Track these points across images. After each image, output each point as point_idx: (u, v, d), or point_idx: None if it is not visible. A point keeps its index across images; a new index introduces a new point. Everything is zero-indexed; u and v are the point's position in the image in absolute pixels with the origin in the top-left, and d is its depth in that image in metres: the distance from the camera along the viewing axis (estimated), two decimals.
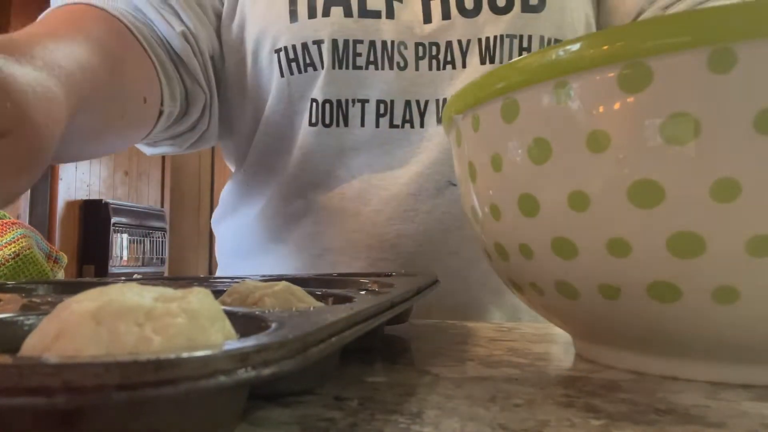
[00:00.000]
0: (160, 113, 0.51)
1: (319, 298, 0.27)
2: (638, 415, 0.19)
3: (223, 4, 0.57)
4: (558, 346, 0.32)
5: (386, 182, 0.53)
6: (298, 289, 0.26)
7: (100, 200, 3.85)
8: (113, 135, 0.47)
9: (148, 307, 0.14)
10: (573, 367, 0.26)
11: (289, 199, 0.56)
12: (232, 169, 0.65)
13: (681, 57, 0.20)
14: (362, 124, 0.53)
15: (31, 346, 0.14)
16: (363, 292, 0.26)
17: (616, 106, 0.21)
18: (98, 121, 0.41)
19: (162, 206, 4.50)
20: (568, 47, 0.22)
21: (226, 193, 0.64)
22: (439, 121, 0.53)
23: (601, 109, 0.21)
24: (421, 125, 0.53)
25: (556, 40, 0.52)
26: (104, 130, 0.44)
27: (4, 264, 0.44)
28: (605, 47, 0.21)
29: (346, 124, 0.54)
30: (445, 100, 0.53)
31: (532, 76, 0.23)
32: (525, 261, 0.26)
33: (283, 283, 0.26)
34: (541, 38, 0.51)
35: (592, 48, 0.21)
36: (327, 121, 0.54)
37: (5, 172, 0.26)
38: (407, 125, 0.53)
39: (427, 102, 0.53)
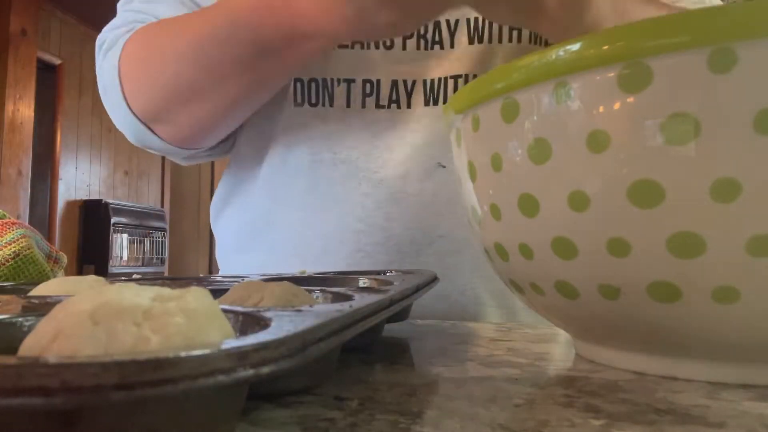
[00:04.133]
0: None
1: (318, 296, 0.27)
2: (638, 415, 0.19)
3: None
4: (558, 346, 0.32)
5: (373, 165, 0.52)
6: (300, 290, 0.25)
7: (100, 200, 3.86)
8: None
9: (146, 306, 0.14)
10: (573, 367, 0.26)
11: (277, 184, 0.55)
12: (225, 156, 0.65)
13: (681, 57, 0.20)
14: (348, 105, 0.53)
15: (28, 347, 0.13)
16: (362, 290, 0.26)
17: (616, 106, 0.21)
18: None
19: (162, 206, 4.51)
20: (568, 47, 0.22)
21: (219, 186, 0.63)
22: (426, 102, 0.52)
23: (601, 109, 0.21)
24: (408, 106, 0.52)
25: None
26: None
27: (4, 264, 0.44)
28: (605, 47, 0.21)
29: (331, 104, 0.53)
30: (432, 81, 0.52)
31: (532, 76, 0.23)
32: (525, 261, 0.26)
33: (285, 283, 0.26)
34: None
35: (592, 48, 0.21)
36: (313, 100, 0.53)
37: None
38: (394, 106, 0.52)
39: (414, 82, 0.52)
